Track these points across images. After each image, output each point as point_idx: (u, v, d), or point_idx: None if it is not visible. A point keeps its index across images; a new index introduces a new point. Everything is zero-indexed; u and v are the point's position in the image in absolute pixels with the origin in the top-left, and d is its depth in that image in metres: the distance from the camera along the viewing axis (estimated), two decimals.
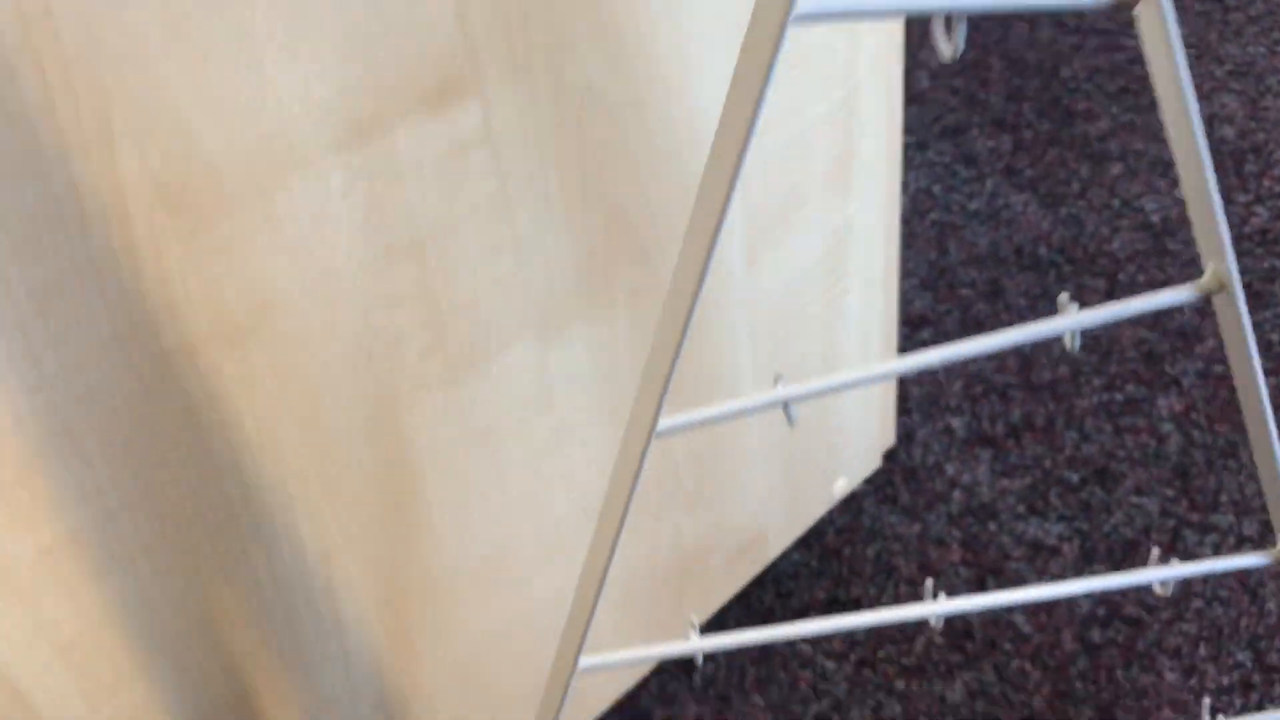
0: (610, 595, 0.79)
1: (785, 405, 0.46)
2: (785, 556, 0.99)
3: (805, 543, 1.00)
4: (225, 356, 0.50)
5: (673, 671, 0.94)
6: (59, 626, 0.50)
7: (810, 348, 0.82)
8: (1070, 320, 0.44)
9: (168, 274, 0.46)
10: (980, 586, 0.95)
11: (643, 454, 0.45)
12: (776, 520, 0.91)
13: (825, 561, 0.99)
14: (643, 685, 0.92)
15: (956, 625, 0.93)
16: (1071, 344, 0.45)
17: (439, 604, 0.66)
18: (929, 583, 0.58)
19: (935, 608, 0.56)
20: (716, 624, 0.95)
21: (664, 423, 0.44)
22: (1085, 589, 0.56)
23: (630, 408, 0.68)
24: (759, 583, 0.97)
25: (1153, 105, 1.34)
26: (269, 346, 0.51)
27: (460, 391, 0.60)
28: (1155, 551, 0.57)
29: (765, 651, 0.93)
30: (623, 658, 0.54)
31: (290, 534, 0.56)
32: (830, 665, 0.92)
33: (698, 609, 0.90)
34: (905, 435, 1.06)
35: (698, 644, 0.55)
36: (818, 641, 0.94)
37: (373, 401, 0.56)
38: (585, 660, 0.54)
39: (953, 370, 1.11)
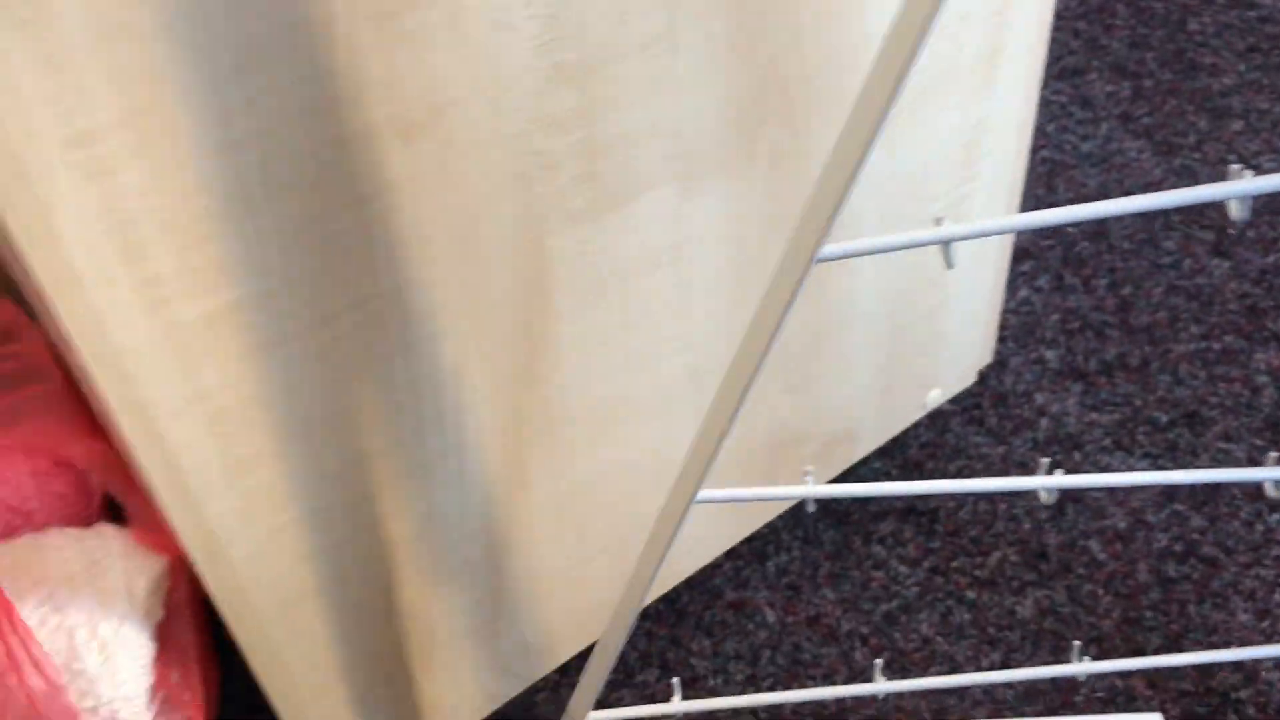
0: None
1: (945, 245, 0.47)
2: (867, 463, 1.00)
3: (889, 452, 1.00)
4: (397, 150, 0.51)
5: (746, 558, 0.95)
6: (212, 396, 0.52)
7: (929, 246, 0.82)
8: (1243, 185, 0.44)
9: (357, 57, 0.48)
10: (1060, 512, 0.95)
11: (801, 278, 0.46)
12: (868, 419, 0.92)
13: (906, 472, 1.00)
14: (716, 566, 0.94)
15: (1031, 546, 0.94)
16: (1240, 210, 0.45)
17: (552, 441, 0.68)
18: (1043, 461, 0.58)
19: (1048, 481, 0.57)
20: (793, 517, 0.97)
21: (828, 249, 0.45)
22: (1194, 479, 0.57)
23: (755, 273, 0.69)
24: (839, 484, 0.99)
25: None
26: (437, 148, 0.52)
27: (601, 229, 0.61)
28: (1273, 454, 0.57)
29: (839, 549, 0.95)
30: (740, 494, 0.56)
31: (429, 341, 0.58)
32: (903, 570, 0.93)
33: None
34: (998, 362, 1.06)
35: (812, 490, 0.57)
36: (893, 546, 0.95)
37: (522, 223, 0.58)
38: (704, 493, 0.55)
39: (1050, 304, 1.11)
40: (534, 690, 0.88)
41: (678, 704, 0.71)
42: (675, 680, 0.72)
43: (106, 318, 0.47)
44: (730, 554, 0.95)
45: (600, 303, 0.64)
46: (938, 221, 0.47)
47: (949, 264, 0.46)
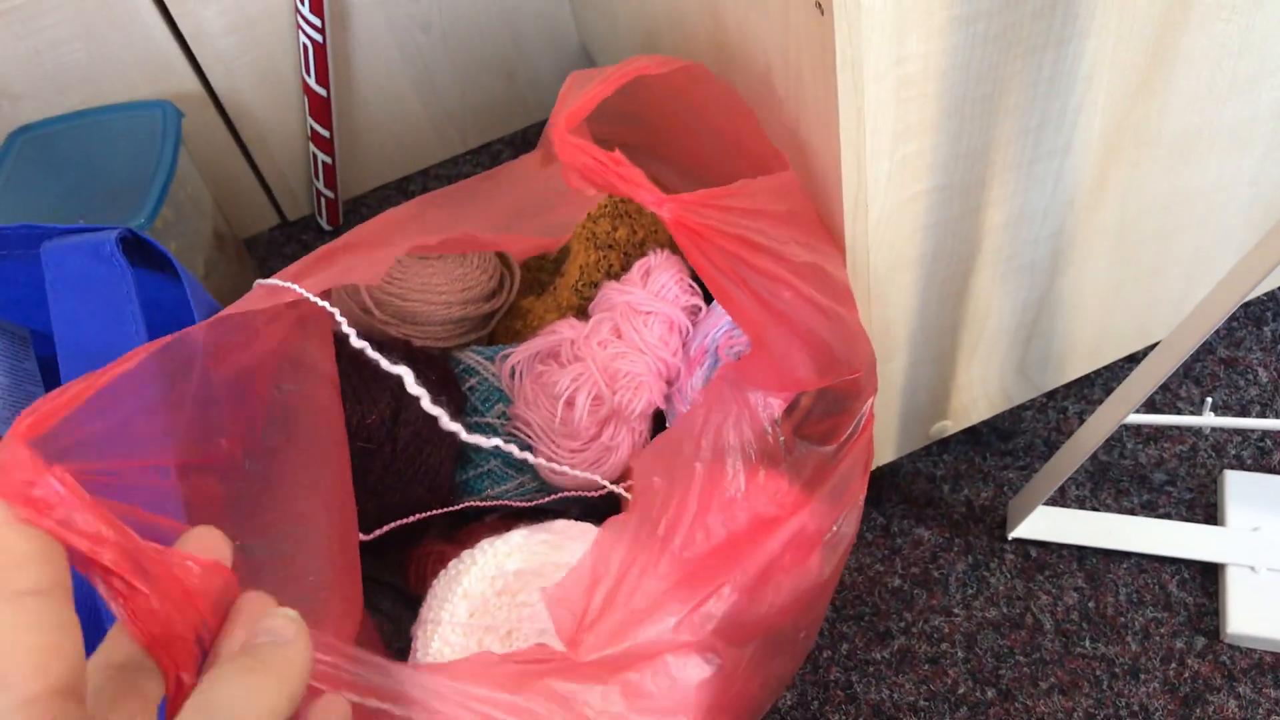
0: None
1: None
2: None
3: None
4: None
5: (1241, 320, 0.97)
6: (906, 63, 0.60)
7: None
8: None
9: None
10: None
11: None
12: None
13: None
14: None
15: None
16: None
17: (1136, 159, 0.73)
18: None
19: None
20: None
21: None
22: None
23: None
24: None
25: None
26: None
27: None
28: None
29: None
30: None
31: (1079, 39, 0.63)
32: None
33: None
34: None
35: None
36: None
37: None
38: None
39: None
40: (1022, 408, 0.96)
41: (1209, 418, 0.76)
42: (1208, 399, 0.77)
43: None
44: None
45: (1229, 23, 0.67)
46: None
47: None
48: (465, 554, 0.67)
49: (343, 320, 0.65)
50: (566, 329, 0.75)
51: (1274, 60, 0.71)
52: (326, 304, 0.64)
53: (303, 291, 0.63)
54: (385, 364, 0.66)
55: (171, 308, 0.65)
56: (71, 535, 0.30)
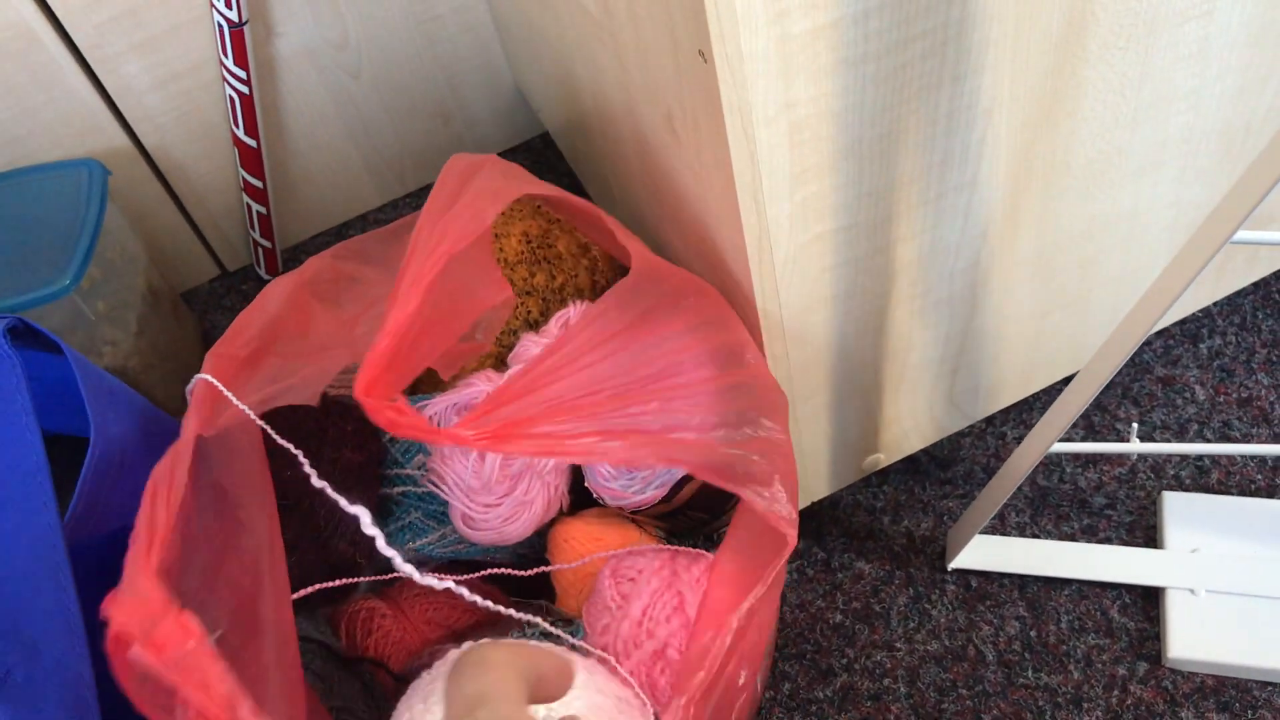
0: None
1: None
2: None
3: None
4: None
5: (1177, 338, 0.97)
6: (797, 107, 0.60)
7: None
8: None
9: None
10: None
11: None
12: None
13: None
14: (1145, 344, 0.96)
15: None
16: None
17: (1047, 189, 0.72)
18: None
19: None
20: (1229, 304, 0.97)
21: None
22: None
23: (1275, 36, 0.69)
24: None
25: None
26: None
27: None
28: None
29: (1278, 338, 0.95)
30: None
31: (974, 75, 0.63)
32: None
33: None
34: None
35: None
36: None
37: None
38: (1243, 233, 0.58)
39: None
40: (961, 435, 0.95)
41: (1136, 444, 0.75)
42: (1134, 425, 0.76)
43: (740, 24, 0.54)
44: (1161, 334, 0.97)
45: (1126, 52, 0.67)
46: None
47: None
48: (443, 661, 0.64)
49: (304, 461, 0.64)
50: (483, 382, 0.74)
51: (1177, 86, 0.70)
52: (290, 445, 0.63)
53: (268, 429, 0.61)
54: (344, 504, 0.63)
55: (70, 385, 0.64)
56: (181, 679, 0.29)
